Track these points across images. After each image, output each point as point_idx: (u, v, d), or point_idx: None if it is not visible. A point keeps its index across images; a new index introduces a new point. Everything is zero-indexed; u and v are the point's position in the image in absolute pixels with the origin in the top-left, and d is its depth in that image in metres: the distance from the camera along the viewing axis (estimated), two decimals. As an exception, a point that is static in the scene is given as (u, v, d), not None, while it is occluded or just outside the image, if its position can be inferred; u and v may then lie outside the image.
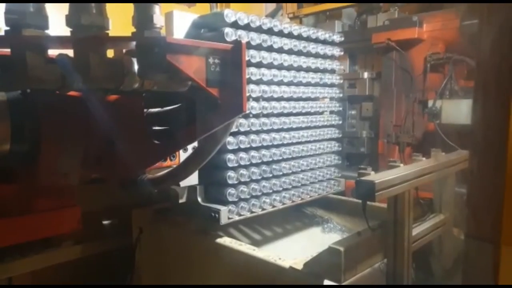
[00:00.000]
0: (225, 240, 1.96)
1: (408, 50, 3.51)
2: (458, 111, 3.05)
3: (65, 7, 1.34)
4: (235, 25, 1.96)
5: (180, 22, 2.04)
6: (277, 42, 2.15)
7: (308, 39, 2.41)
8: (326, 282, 1.55)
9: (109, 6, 1.41)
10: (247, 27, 2.02)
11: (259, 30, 2.08)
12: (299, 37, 2.34)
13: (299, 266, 1.62)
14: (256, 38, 2.03)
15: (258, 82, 2.11)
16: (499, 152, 1.08)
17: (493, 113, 1.10)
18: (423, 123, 3.45)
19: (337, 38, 2.61)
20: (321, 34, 2.49)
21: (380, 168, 3.16)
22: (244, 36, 1.97)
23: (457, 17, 3.19)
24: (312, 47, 2.41)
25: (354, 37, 3.84)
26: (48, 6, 1.34)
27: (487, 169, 1.14)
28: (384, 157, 3.63)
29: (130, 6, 1.46)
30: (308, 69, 2.43)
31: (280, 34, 2.21)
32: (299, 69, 2.35)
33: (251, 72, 2.03)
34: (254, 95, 2.08)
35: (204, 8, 3.76)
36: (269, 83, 2.17)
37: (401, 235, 1.79)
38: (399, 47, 3.49)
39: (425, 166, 1.95)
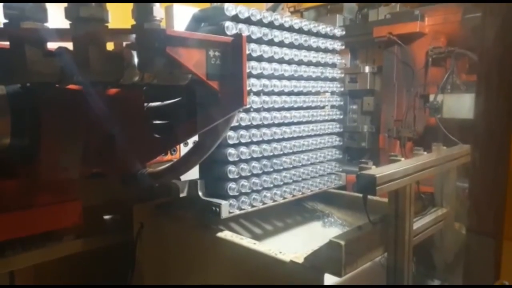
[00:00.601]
0: (226, 234, 1.96)
1: (410, 44, 3.49)
2: (460, 105, 3.04)
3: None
4: (235, 18, 1.95)
5: (180, 16, 2.02)
6: (278, 36, 2.14)
7: (309, 32, 2.39)
8: (327, 275, 1.55)
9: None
10: (247, 21, 2.01)
11: (259, 23, 2.07)
12: (300, 31, 2.33)
13: (300, 259, 1.62)
14: (256, 31, 2.02)
15: (259, 76, 2.10)
16: (502, 144, 1.08)
17: (496, 105, 1.09)
18: (424, 118, 3.44)
19: (338, 32, 2.59)
20: (322, 28, 2.48)
21: (381, 163, 3.15)
22: (245, 30, 1.96)
23: (459, 11, 3.17)
24: (313, 41, 2.40)
25: (355, 31, 3.82)
26: (48, -1, 1.34)
27: (490, 162, 1.13)
28: (385, 151, 3.62)
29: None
30: (309, 63, 2.41)
31: (281, 27, 2.20)
32: (300, 63, 2.34)
33: (252, 66, 2.02)
34: (255, 89, 2.07)
35: (205, 4, 3.73)
36: (270, 77, 2.15)
37: (402, 229, 1.79)
38: (401, 41, 3.47)
39: (426, 160, 1.94)
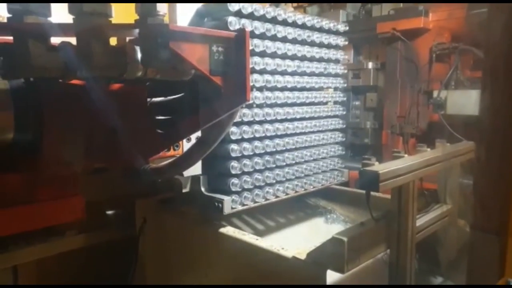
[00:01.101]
0: (228, 230, 1.97)
1: (414, 40, 3.47)
2: (464, 101, 3.02)
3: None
4: (238, 14, 1.94)
5: (183, 11, 2.01)
6: (281, 31, 2.13)
7: (312, 28, 2.38)
8: (329, 272, 1.55)
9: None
10: (250, 16, 2.00)
11: (263, 19, 2.06)
12: (303, 26, 2.31)
13: (302, 256, 1.62)
14: (260, 27, 2.01)
15: (262, 72, 2.09)
16: (507, 141, 1.07)
17: (501, 100, 1.08)
18: (428, 114, 3.43)
19: (341, 27, 2.58)
20: (326, 24, 2.46)
21: (384, 159, 3.14)
22: (248, 25, 1.95)
23: (463, 6, 3.14)
24: (316, 37, 2.39)
25: (359, 26, 3.80)
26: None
27: (494, 158, 1.13)
28: (388, 148, 3.61)
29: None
30: (312, 59, 2.40)
31: (284, 23, 2.19)
32: (303, 58, 2.33)
33: (255, 62, 2.01)
34: (257, 85, 2.07)
35: None
36: (273, 72, 2.15)
37: (405, 226, 1.78)
38: (404, 37, 3.45)
39: (429, 157, 1.93)
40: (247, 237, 1.88)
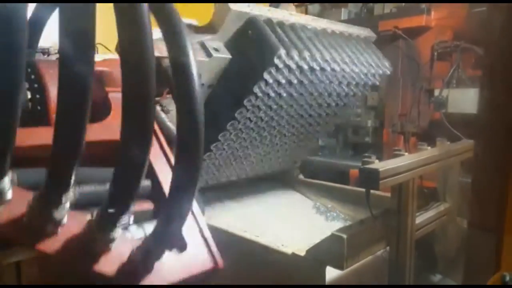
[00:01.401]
0: (227, 226, 1.97)
1: (415, 38, 3.46)
2: (465, 100, 3.01)
3: None
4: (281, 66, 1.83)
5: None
6: (314, 80, 2.04)
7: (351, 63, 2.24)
8: (328, 268, 1.56)
9: None
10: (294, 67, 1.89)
11: (306, 69, 1.96)
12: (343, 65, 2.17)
13: (302, 252, 1.63)
14: (293, 79, 1.94)
15: (276, 110, 2.09)
16: (505, 139, 1.07)
17: (500, 99, 1.09)
18: (429, 113, 3.42)
19: (385, 69, 2.47)
20: (366, 69, 2.32)
21: (385, 158, 3.14)
22: (284, 75, 1.89)
23: (465, 4, 3.13)
24: (351, 77, 2.25)
25: (361, 25, 3.78)
26: None
27: (492, 156, 1.13)
28: (389, 146, 3.61)
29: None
30: (334, 95, 2.34)
31: (325, 71, 2.06)
32: (325, 95, 2.28)
33: (273, 101, 2.01)
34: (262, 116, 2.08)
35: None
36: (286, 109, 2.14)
37: (405, 224, 1.79)
38: (406, 35, 3.44)
39: (429, 155, 1.94)
40: (247, 233, 1.89)
